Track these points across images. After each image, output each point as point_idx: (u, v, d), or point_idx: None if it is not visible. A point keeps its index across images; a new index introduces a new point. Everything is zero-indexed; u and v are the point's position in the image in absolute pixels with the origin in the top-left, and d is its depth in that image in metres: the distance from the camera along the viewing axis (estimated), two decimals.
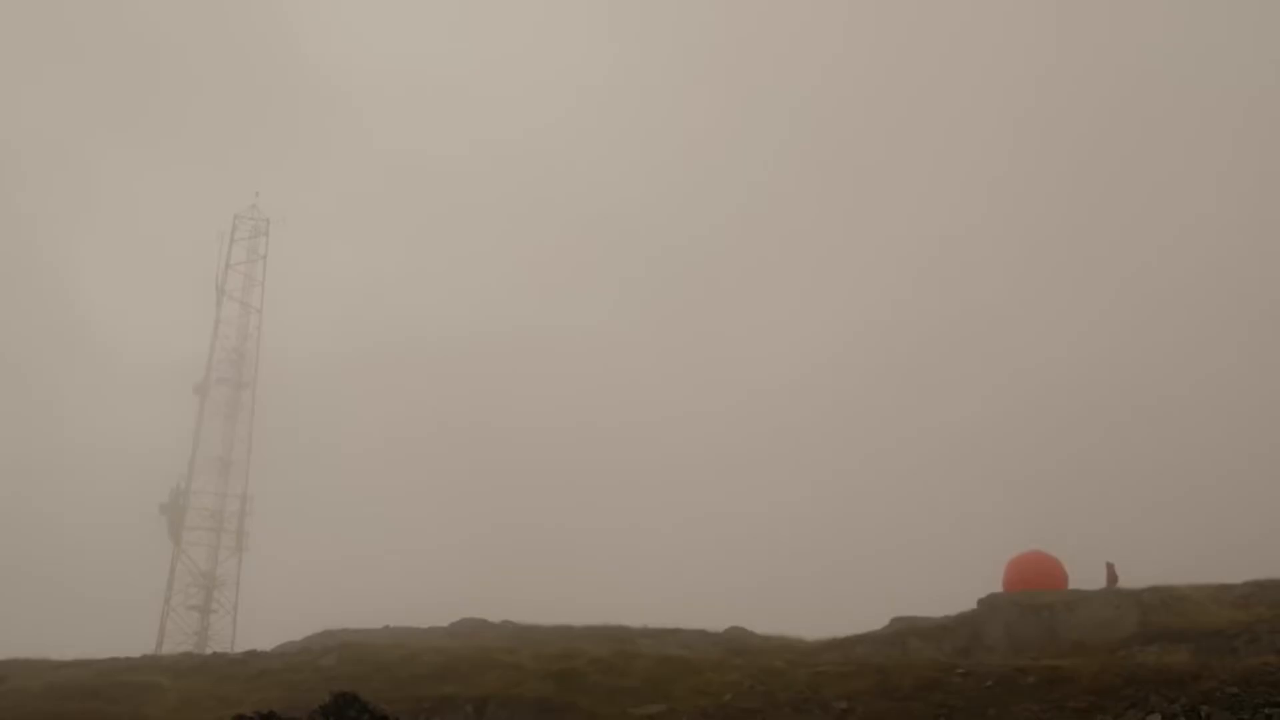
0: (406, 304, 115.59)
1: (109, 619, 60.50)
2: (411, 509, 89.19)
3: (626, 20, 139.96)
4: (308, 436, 78.92)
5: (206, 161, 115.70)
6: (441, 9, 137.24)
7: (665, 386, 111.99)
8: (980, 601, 36.67)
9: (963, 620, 35.96)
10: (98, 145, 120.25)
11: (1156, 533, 64.91)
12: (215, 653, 44.15)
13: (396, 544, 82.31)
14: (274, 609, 55.54)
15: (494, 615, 40.76)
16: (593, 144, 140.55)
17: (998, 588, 38.15)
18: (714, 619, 39.64)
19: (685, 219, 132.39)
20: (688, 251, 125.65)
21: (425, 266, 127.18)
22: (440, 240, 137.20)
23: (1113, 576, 36.90)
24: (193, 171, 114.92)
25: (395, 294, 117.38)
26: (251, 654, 34.17)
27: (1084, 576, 37.48)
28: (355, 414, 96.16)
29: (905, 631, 36.45)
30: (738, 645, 36.44)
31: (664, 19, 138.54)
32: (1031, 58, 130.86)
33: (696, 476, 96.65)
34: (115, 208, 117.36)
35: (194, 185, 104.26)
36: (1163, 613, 33.16)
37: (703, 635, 37.79)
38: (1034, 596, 35.61)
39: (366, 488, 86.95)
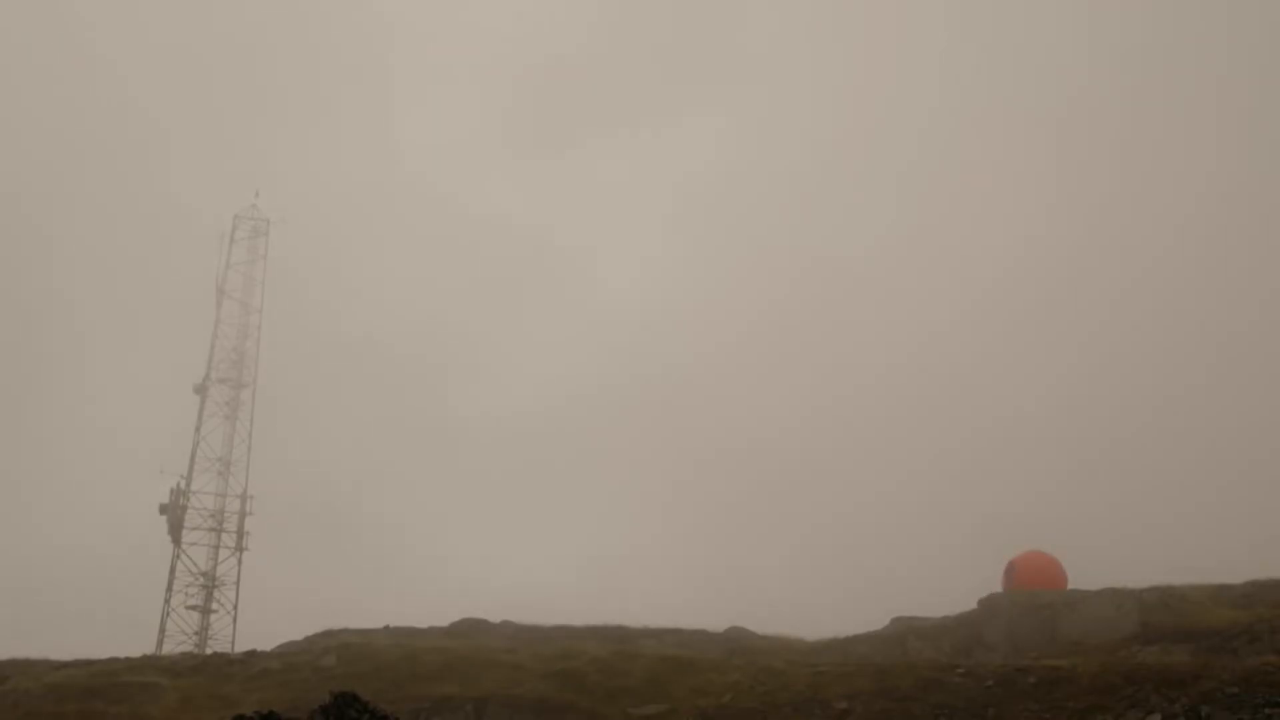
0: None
1: (109, 619, 60.65)
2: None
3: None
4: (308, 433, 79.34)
5: (206, 160, 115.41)
6: None
7: (665, 386, 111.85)
8: (980, 601, 36.74)
9: (963, 620, 36.04)
10: (95, 141, 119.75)
11: (1156, 533, 64.85)
12: (215, 653, 44.16)
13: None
14: (274, 609, 55.70)
15: (495, 615, 40.78)
16: None
17: (998, 588, 38.22)
18: (714, 619, 39.73)
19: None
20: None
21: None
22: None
23: None
24: (192, 170, 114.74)
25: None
26: (251, 654, 34.15)
27: (1084, 576, 37.58)
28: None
29: (905, 631, 36.53)
30: (738, 645, 36.48)
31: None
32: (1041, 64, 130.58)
33: (697, 475, 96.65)
34: (112, 205, 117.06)
35: (193, 184, 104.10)
36: (1163, 613, 33.21)
37: (703, 635, 37.80)
38: (1034, 596, 35.67)
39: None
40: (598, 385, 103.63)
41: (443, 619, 40.47)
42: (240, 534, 53.78)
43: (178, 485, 53.76)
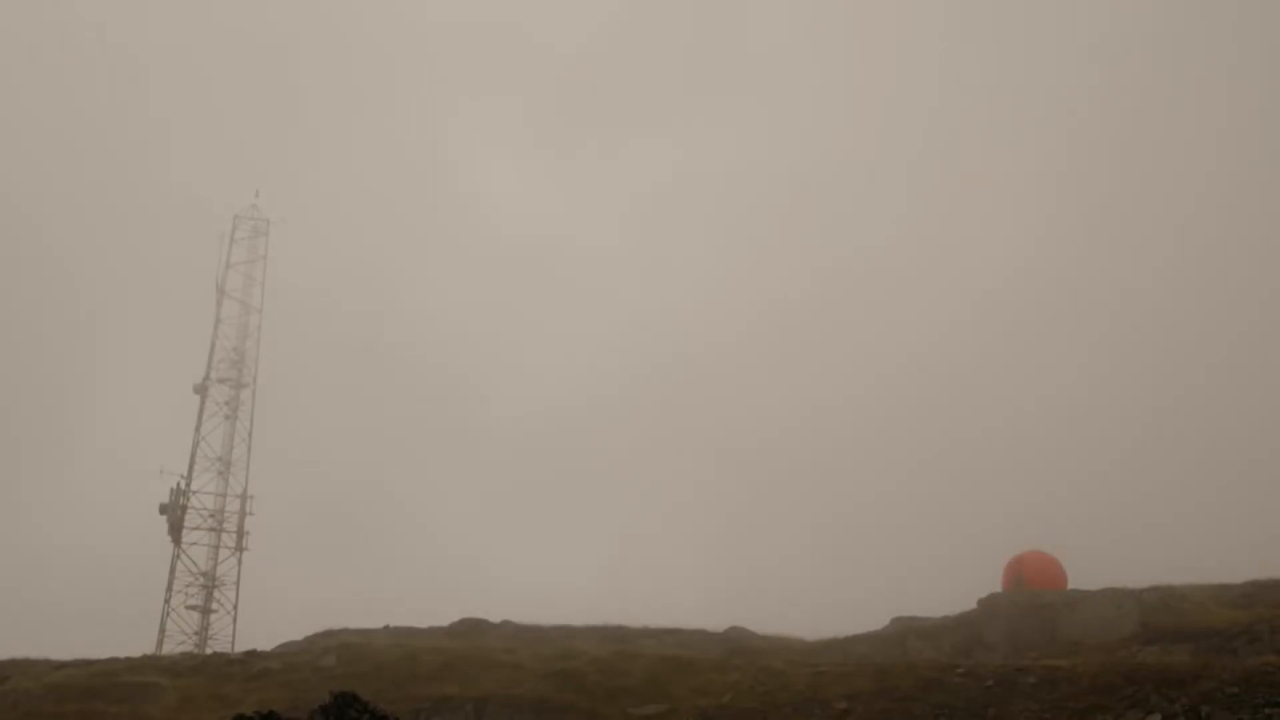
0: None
1: (109, 619, 60.59)
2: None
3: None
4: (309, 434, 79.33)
5: (210, 158, 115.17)
6: None
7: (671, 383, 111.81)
8: (980, 601, 36.74)
9: (963, 620, 36.04)
10: (99, 138, 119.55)
11: (1156, 533, 64.83)
12: (215, 653, 44.18)
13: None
14: (274, 609, 55.66)
15: (495, 615, 40.75)
16: None
17: (998, 588, 38.23)
18: (714, 619, 39.69)
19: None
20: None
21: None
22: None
23: None
24: (197, 168, 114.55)
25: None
26: (251, 654, 34.14)
27: (1084, 577, 37.57)
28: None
29: (905, 631, 36.53)
30: (738, 645, 36.46)
31: None
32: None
33: (697, 475, 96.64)
34: (113, 204, 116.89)
35: (197, 184, 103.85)
36: (1163, 613, 33.21)
37: (703, 635, 37.78)
38: (1034, 596, 35.68)
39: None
40: (597, 386, 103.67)
41: (443, 619, 40.47)
42: (240, 534, 53.79)
43: (178, 485, 53.78)
